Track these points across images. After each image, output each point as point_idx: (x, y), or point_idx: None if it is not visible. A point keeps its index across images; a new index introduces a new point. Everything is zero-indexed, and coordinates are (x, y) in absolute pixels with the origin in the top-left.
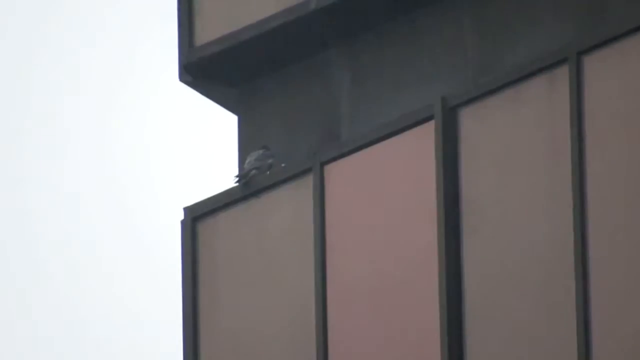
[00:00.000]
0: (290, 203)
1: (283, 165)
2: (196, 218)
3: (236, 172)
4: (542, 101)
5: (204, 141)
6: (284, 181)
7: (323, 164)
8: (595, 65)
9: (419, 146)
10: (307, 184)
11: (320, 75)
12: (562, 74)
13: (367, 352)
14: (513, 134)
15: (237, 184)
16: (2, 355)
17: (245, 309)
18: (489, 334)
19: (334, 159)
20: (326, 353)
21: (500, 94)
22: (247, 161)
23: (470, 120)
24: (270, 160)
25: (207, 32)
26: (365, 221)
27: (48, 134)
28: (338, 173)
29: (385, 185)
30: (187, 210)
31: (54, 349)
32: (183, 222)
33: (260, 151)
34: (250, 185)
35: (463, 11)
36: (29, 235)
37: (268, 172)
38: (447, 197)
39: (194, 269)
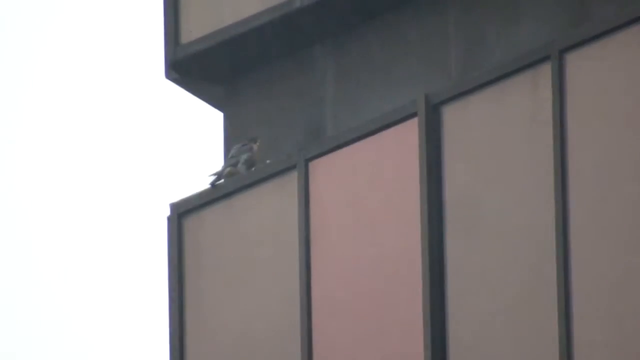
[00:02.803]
0: (275, 199)
1: (268, 161)
2: (182, 214)
3: (213, 173)
4: (525, 98)
5: (190, 138)
6: (269, 177)
7: (308, 161)
8: (577, 63)
9: (402, 143)
10: (292, 180)
11: (305, 72)
12: (545, 71)
13: (352, 348)
14: (496, 131)
15: (210, 184)
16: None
17: (230, 304)
18: (472, 330)
19: (319, 155)
20: (311, 348)
21: (483, 91)
22: (228, 156)
23: (453, 117)
24: (245, 155)
25: (193, 30)
26: (350, 217)
27: (33, 131)
28: (322, 169)
29: (369, 181)
30: (173, 206)
31: (40, 345)
32: (169, 218)
33: (239, 145)
34: (227, 182)
35: (447, 9)
36: (13, 231)
37: (253, 169)
38: (431, 193)
39: (180, 264)
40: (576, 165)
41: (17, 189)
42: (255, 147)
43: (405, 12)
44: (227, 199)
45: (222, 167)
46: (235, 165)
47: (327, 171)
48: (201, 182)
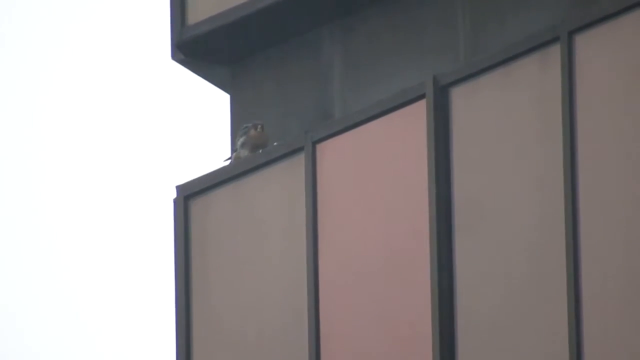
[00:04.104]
0: (282, 182)
1: (275, 143)
2: (188, 196)
3: (227, 154)
4: (533, 80)
5: (196, 120)
6: (276, 160)
7: (315, 143)
8: (586, 44)
9: (410, 125)
10: (299, 162)
11: (313, 53)
12: (554, 53)
13: (360, 331)
14: (505, 113)
15: (227, 160)
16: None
17: (236, 286)
18: (481, 310)
19: (326, 137)
20: (318, 331)
21: (492, 72)
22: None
23: (461, 99)
24: (241, 139)
25: (200, 11)
26: (357, 199)
27: (40, 115)
28: (330, 152)
29: (377, 163)
30: (179, 188)
31: (48, 329)
32: (175, 201)
33: (241, 130)
34: (234, 165)
35: None
36: (18, 218)
37: (260, 151)
38: (439, 175)
39: (186, 246)
40: (585, 147)
41: (19, 174)
42: (252, 133)
43: None
44: (234, 182)
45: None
46: (237, 150)
47: (335, 153)
48: (208, 164)
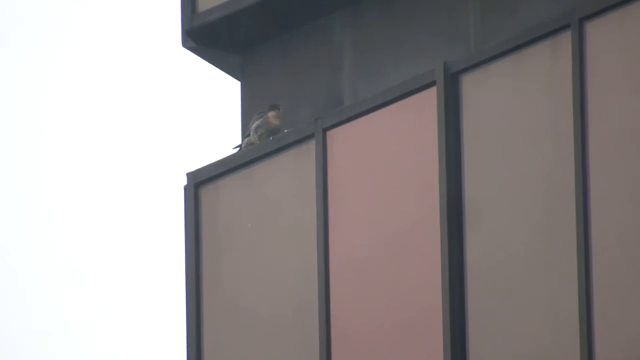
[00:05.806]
0: (292, 169)
1: (285, 131)
2: (199, 183)
3: (238, 141)
4: (544, 67)
5: (207, 107)
6: (286, 147)
7: (325, 130)
8: (597, 32)
9: (421, 112)
10: (310, 149)
11: (323, 41)
12: (565, 40)
13: (370, 318)
14: (515, 100)
15: (236, 148)
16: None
17: (247, 274)
18: (491, 295)
19: (336, 124)
20: (328, 317)
21: (502, 60)
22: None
23: (472, 86)
24: (256, 123)
25: None
26: (367, 187)
27: (51, 103)
28: (340, 139)
29: (387, 151)
30: (190, 175)
31: (58, 310)
32: (186, 188)
33: (255, 115)
34: (244, 152)
35: None
36: (27, 208)
37: (271, 138)
38: (449, 162)
39: (197, 234)
40: (596, 134)
41: (32, 162)
42: (270, 114)
43: None
44: (244, 169)
45: (242, 139)
46: (249, 135)
47: (345, 140)
48: (219, 152)
